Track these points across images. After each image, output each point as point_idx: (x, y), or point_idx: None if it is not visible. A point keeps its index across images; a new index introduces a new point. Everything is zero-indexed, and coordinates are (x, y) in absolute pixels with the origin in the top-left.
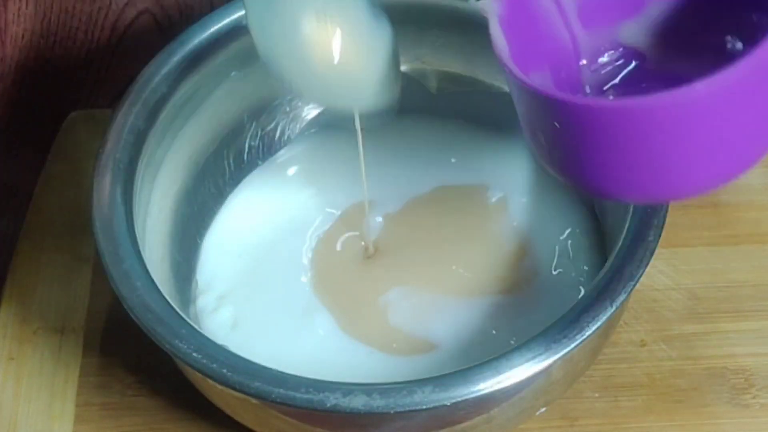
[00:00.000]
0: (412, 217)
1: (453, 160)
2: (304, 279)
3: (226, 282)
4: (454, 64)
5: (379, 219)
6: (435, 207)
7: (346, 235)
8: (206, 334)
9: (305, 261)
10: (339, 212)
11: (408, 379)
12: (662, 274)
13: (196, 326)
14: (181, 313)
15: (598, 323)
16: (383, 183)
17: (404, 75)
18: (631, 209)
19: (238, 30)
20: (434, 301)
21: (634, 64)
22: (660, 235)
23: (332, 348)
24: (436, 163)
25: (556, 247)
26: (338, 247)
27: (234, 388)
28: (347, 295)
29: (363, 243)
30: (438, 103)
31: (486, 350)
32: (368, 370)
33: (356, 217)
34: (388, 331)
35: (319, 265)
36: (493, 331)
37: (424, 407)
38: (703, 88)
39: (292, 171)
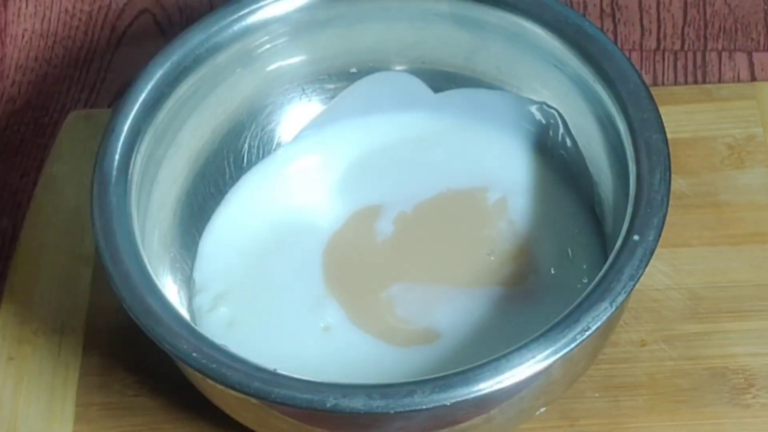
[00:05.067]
0: (419, 220)
1: (455, 162)
2: (315, 276)
3: (224, 281)
4: (454, 64)
5: (389, 222)
6: (440, 210)
7: (357, 235)
8: (203, 333)
9: (314, 259)
10: (346, 213)
11: (413, 368)
12: (662, 274)
13: (195, 326)
14: (180, 313)
15: (598, 323)
16: (387, 185)
17: (404, 74)
18: (631, 209)
19: (238, 30)
20: (438, 295)
21: None
22: (660, 235)
23: (340, 342)
24: (439, 165)
25: (556, 248)
26: (348, 246)
27: (234, 388)
28: (357, 290)
29: (373, 242)
30: (438, 103)
31: (488, 342)
32: (375, 362)
33: (365, 219)
34: (395, 322)
35: (330, 263)
36: (494, 325)
37: (424, 407)
38: None
39: (292, 171)
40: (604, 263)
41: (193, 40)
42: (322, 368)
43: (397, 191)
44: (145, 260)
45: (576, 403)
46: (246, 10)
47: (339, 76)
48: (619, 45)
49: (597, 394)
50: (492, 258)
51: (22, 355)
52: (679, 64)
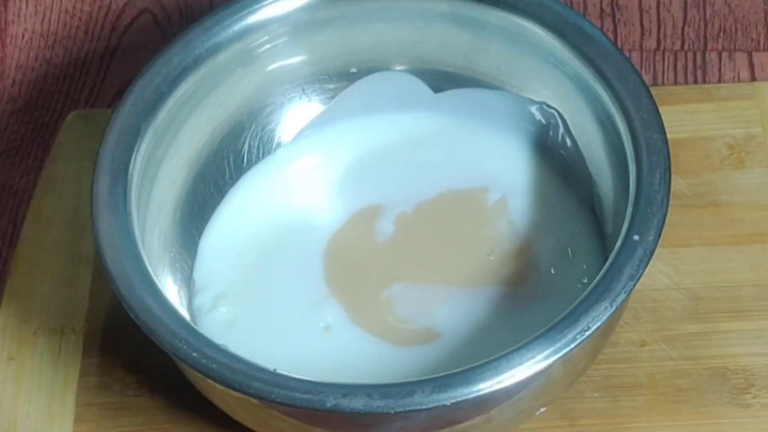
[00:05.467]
0: (419, 220)
1: (455, 162)
2: (315, 276)
3: (224, 281)
4: (454, 64)
5: (389, 222)
6: (440, 210)
7: (357, 235)
8: (203, 333)
9: (315, 259)
10: (346, 213)
11: (413, 368)
12: (662, 274)
13: (195, 326)
14: (180, 313)
15: (598, 323)
16: (387, 185)
17: (404, 74)
18: (631, 209)
19: (238, 30)
20: (438, 294)
21: None
22: (660, 235)
23: (340, 342)
24: (439, 165)
25: (556, 248)
26: (349, 246)
27: (234, 388)
28: (358, 290)
29: (373, 242)
30: (438, 103)
31: (487, 342)
32: (375, 361)
33: (366, 219)
34: (395, 322)
35: (330, 263)
36: (494, 325)
37: (424, 407)
38: None
39: (292, 171)
40: (604, 263)
41: (193, 40)
42: (322, 368)
43: (397, 191)
44: (145, 260)
45: (576, 403)
46: (246, 10)
47: (339, 76)
48: (619, 45)
49: (597, 394)
50: (492, 258)
51: (22, 356)
52: (679, 64)
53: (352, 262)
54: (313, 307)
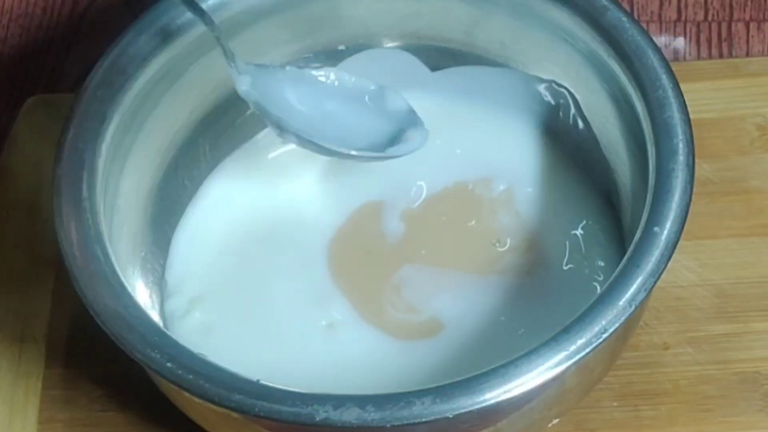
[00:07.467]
0: (419, 215)
1: (454, 149)
2: (317, 271)
3: (200, 282)
4: (453, 39)
5: (388, 217)
6: (441, 203)
7: (359, 230)
8: (178, 340)
9: (314, 254)
10: (334, 204)
11: (417, 363)
12: (686, 269)
13: (168, 333)
14: (153, 318)
15: (616, 325)
16: (379, 174)
17: (398, 52)
18: (651, 198)
19: (213, 4)
20: (444, 291)
21: None
22: (683, 227)
23: (344, 339)
24: (436, 153)
25: (567, 241)
26: (352, 242)
27: (212, 401)
28: (359, 285)
29: (373, 239)
30: (435, 83)
31: (493, 339)
32: (377, 358)
33: (369, 214)
34: (399, 313)
35: (333, 258)
36: (503, 323)
37: (424, 420)
38: None
39: (273, 158)
40: (622, 258)
41: (164, 15)
42: (319, 369)
43: (392, 182)
44: (113, 261)
45: (592, 413)
46: None
47: (325, 55)
48: (635, 16)
49: (615, 404)
50: (500, 252)
51: None
52: (703, 37)
53: (356, 259)
54: (313, 305)
